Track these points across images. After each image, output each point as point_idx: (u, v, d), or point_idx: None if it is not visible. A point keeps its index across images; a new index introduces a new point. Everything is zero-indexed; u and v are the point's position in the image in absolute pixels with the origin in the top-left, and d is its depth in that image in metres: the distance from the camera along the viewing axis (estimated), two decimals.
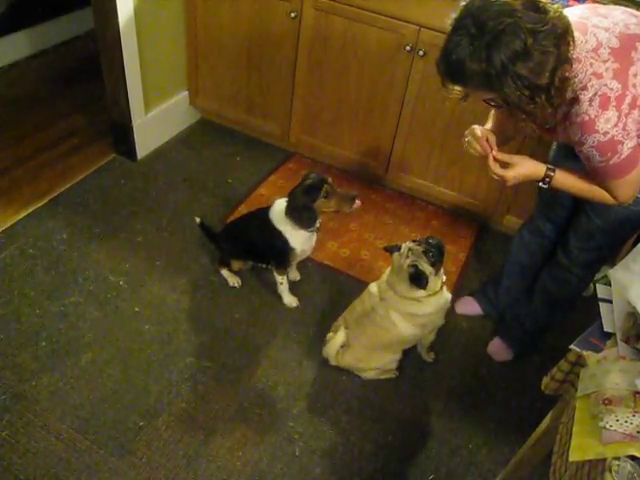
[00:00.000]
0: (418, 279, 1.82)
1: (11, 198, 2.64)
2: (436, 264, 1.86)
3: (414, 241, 1.90)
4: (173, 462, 1.81)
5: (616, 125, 1.35)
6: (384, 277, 1.99)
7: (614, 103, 1.34)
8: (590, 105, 1.36)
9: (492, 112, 1.70)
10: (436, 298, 1.92)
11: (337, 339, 2.02)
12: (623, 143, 1.37)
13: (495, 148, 1.59)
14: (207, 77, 3.05)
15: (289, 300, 2.34)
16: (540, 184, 1.57)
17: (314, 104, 2.83)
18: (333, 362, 2.08)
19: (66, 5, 3.75)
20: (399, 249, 1.91)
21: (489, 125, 1.70)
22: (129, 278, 2.36)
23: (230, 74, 2.97)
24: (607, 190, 1.50)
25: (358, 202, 2.06)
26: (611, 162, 1.40)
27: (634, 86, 1.34)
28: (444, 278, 1.96)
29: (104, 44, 2.58)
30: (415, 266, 1.83)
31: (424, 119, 2.59)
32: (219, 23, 2.80)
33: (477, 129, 1.63)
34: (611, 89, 1.34)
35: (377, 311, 1.96)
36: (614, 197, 1.50)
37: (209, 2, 2.76)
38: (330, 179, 2.06)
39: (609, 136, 1.36)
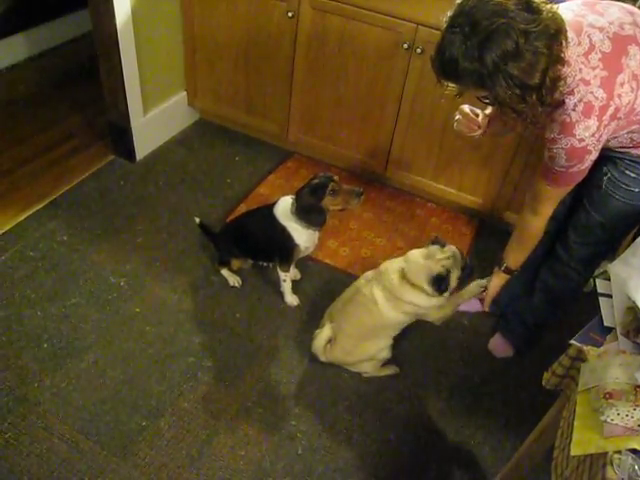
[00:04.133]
0: (440, 283, 1.83)
1: (11, 201, 2.64)
2: (461, 282, 1.90)
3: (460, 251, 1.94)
4: (176, 462, 1.82)
5: (593, 135, 1.37)
6: (387, 265, 1.98)
7: (597, 112, 1.35)
8: (574, 110, 1.37)
9: None
10: (428, 297, 1.92)
11: (323, 334, 2.03)
12: (591, 153, 1.41)
13: (484, 129, 1.63)
14: (205, 77, 3.06)
15: (291, 299, 2.34)
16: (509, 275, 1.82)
17: (312, 103, 2.84)
18: (322, 358, 2.08)
19: (63, 7, 3.75)
20: (444, 246, 1.92)
21: (489, 111, 1.72)
22: (130, 279, 2.36)
23: (228, 74, 2.97)
24: (539, 199, 1.58)
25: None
26: (570, 170, 1.44)
27: (619, 96, 1.35)
28: None
29: (102, 46, 2.58)
30: (448, 271, 1.85)
31: (422, 117, 2.60)
32: (216, 23, 2.81)
33: (465, 107, 1.70)
34: (596, 97, 1.35)
35: (361, 291, 1.97)
36: (539, 212, 1.61)
37: (206, 2, 2.77)
38: (336, 177, 2.07)
39: (584, 144, 1.38)
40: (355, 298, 1.99)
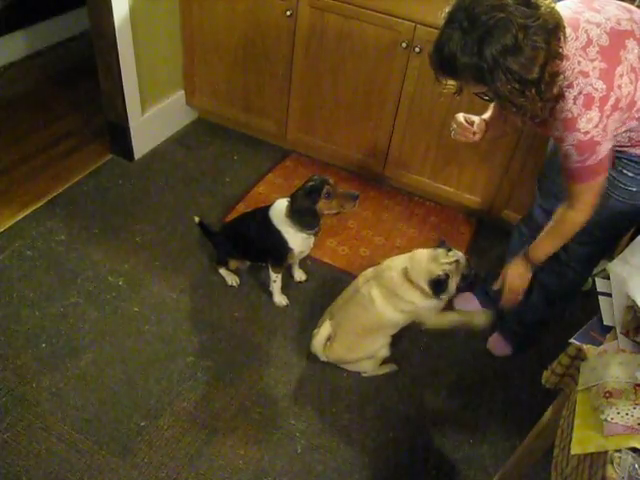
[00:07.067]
0: (436, 286, 1.84)
1: (8, 200, 2.63)
2: (461, 288, 1.91)
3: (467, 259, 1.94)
4: (175, 461, 1.82)
5: (597, 126, 1.37)
6: (389, 262, 1.99)
7: (598, 103, 1.35)
8: (574, 103, 1.37)
9: (492, 104, 1.73)
10: (425, 298, 1.92)
11: (322, 332, 2.03)
12: (601, 144, 1.40)
13: (481, 134, 1.67)
14: (203, 76, 3.05)
15: (279, 299, 2.34)
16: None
17: (311, 102, 2.83)
18: (322, 357, 2.08)
19: (62, 5, 3.74)
20: (450, 250, 1.92)
21: (487, 115, 1.73)
22: (128, 278, 2.36)
23: (226, 73, 2.97)
24: (573, 196, 1.52)
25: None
26: (587, 163, 1.43)
27: (619, 87, 1.36)
28: None
29: (100, 44, 2.58)
30: (448, 276, 1.85)
31: (421, 116, 2.60)
32: (215, 22, 2.80)
33: (460, 116, 1.71)
34: (596, 89, 1.35)
35: (360, 291, 1.98)
36: (577, 208, 1.53)
37: (204, 1, 2.76)
38: (332, 180, 2.06)
39: (589, 136, 1.38)
40: (354, 297, 1.99)
